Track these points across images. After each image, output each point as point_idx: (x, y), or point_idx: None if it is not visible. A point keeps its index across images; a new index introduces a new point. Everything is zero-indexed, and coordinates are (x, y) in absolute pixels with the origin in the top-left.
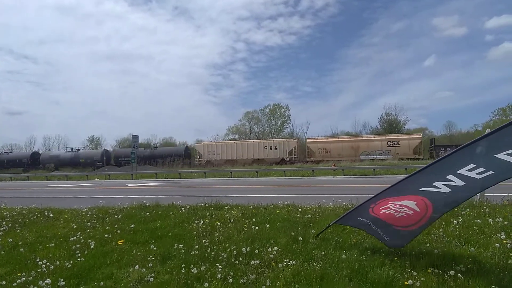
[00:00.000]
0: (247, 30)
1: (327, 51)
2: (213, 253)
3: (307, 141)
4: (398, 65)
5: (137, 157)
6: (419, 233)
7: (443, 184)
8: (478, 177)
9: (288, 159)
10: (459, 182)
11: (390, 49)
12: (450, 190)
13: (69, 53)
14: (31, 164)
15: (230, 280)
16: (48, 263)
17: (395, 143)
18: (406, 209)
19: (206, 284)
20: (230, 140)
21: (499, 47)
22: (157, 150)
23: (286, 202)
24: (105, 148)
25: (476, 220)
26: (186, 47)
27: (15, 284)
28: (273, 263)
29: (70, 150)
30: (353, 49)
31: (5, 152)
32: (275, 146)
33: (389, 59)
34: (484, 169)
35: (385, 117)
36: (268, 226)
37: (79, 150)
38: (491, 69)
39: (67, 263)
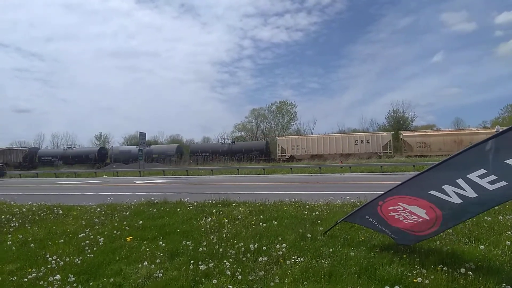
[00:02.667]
0: (253, 27)
1: (334, 48)
2: (221, 249)
3: (403, 134)
4: (405, 61)
5: (215, 152)
6: (427, 239)
7: (454, 191)
8: (490, 188)
9: (381, 154)
10: (470, 193)
11: (397, 45)
12: (461, 201)
13: (75, 50)
14: (99, 160)
15: (239, 277)
16: (58, 259)
17: None
18: (415, 217)
19: (214, 281)
20: (316, 134)
21: (509, 43)
22: (236, 145)
23: (293, 199)
24: (179, 144)
25: (486, 218)
26: (192, 44)
27: (26, 279)
28: (281, 260)
29: (141, 145)
30: (360, 45)
31: (68, 148)
32: (367, 140)
33: (396, 55)
34: (496, 177)
35: (392, 114)
36: (275, 223)
37: (150, 145)
38: (500, 65)
39: (77, 259)
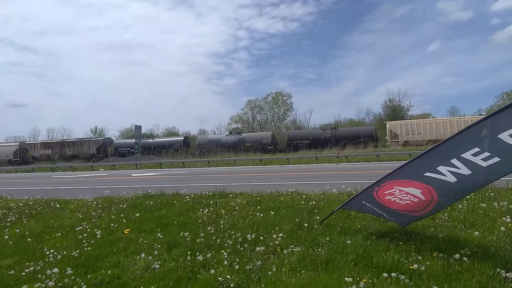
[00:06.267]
0: (248, 18)
1: (330, 38)
2: (218, 240)
3: None
4: (402, 50)
5: (317, 139)
6: (422, 218)
7: (448, 171)
8: (484, 164)
9: None
10: (465, 170)
11: (394, 34)
12: (456, 179)
13: (70, 43)
14: (184, 148)
15: (236, 267)
16: (55, 253)
17: None
18: (411, 196)
19: (212, 271)
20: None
21: (505, 30)
22: (339, 131)
23: (290, 190)
24: (274, 132)
25: (481, 204)
26: (187, 35)
27: (24, 273)
28: (279, 249)
29: (230, 134)
30: (356, 35)
31: (147, 138)
32: None
33: (392, 44)
34: (489, 154)
35: (388, 103)
36: (272, 213)
37: (241, 133)
38: (496, 53)
39: (74, 253)
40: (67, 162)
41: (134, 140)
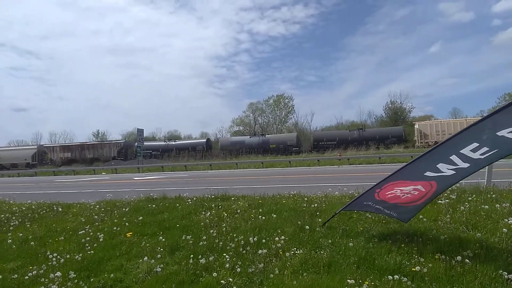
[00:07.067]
0: (250, 21)
1: (331, 40)
2: (220, 243)
3: None
4: (403, 52)
5: (344, 140)
6: (423, 206)
7: (448, 168)
8: (482, 157)
9: None
10: (463, 165)
11: (395, 36)
12: (454, 172)
13: (71, 47)
14: (207, 151)
15: (238, 270)
16: (58, 257)
17: None
18: (412, 190)
19: (214, 274)
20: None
21: (507, 32)
22: (367, 132)
23: (292, 192)
24: (298, 133)
25: (483, 206)
26: (189, 39)
27: (27, 277)
28: (281, 252)
29: (253, 135)
30: (358, 37)
31: (169, 140)
32: None
33: (394, 46)
34: (488, 149)
35: (390, 105)
36: (274, 216)
37: (265, 134)
38: (497, 54)
39: (77, 256)
40: (90, 165)
41: (136, 144)
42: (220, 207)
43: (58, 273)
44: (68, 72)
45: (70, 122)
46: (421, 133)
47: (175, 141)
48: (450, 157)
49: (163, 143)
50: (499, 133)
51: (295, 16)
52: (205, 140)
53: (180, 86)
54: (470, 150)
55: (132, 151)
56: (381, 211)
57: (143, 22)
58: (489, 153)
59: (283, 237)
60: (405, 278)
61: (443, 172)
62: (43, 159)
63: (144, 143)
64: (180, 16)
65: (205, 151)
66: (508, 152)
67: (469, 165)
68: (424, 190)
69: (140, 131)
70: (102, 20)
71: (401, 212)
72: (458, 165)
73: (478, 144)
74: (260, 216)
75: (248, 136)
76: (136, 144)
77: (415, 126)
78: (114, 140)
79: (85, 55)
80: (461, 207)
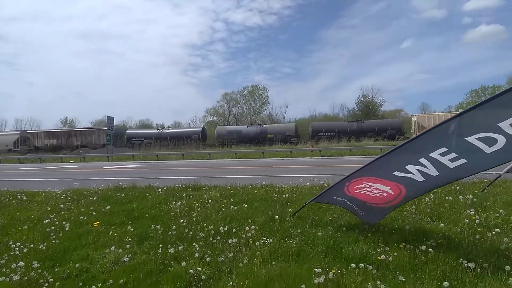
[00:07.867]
0: (226, 9)
1: (307, 32)
2: (190, 233)
3: None
4: (377, 47)
5: (343, 131)
6: (391, 211)
7: (417, 169)
8: (451, 165)
9: None
10: (433, 171)
11: (369, 30)
12: (424, 179)
13: (42, 31)
14: (203, 140)
15: (208, 259)
16: (21, 246)
17: None
18: (380, 191)
19: (183, 263)
20: None
21: (476, 30)
22: (365, 124)
23: (264, 183)
24: (296, 123)
25: (447, 197)
26: (164, 26)
27: None
28: (251, 242)
29: (250, 125)
30: (333, 30)
31: (162, 128)
32: None
33: (367, 40)
34: (456, 155)
35: (362, 99)
36: (246, 206)
37: (262, 124)
38: (466, 51)
39: (41, 246)
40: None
41: (106, 131)
42: (191, 197)
43: (21, 263)
44: (39, 57)
45: (38, 109)
46: (418, 125)
47: (168, 129)
48: (420, 160)
49: (155, 131)
50: (468, 139)
51: (272, 7)
52: (200, 128)
53: (153, 74)
54: (439, 154)
55: (122, 139)
56: (349, 207)
57: (117, 7)
58: (458, 162)
59: (253, 226)
60: (371, 267)
61: (412, 173)
62: (26, 145)
63: (136, 131)
64: (155, 2)
65: (200, 141)
66: (477, 167)
67: (438, 173)
68: (392, 193)
69: (110, 119)
70: (74, 5)
71: (368, 213)
72: (427, 169)
73: (446, 149)
74: (231, 206)
75: (246, 126)
76: (106, 130)
77: (413, 118)
78: (103, 128)
79: (57, 40)
80: (426, 198)
